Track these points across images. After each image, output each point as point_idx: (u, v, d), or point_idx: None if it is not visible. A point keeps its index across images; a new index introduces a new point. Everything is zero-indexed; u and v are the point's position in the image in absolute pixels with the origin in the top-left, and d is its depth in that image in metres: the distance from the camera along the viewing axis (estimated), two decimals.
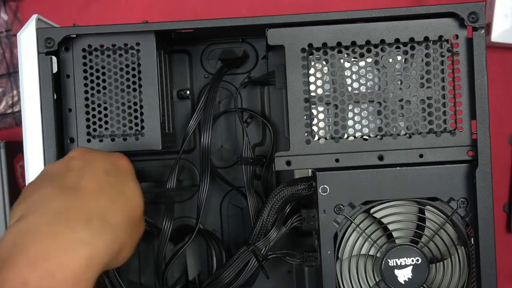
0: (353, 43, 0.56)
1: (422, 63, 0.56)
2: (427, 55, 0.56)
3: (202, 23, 0.57)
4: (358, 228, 0.57)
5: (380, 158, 0.56)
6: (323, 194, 0.56)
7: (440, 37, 0.56)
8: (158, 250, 0.61)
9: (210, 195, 0.69)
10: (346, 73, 0.56)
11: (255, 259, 0.61)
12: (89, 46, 0.58)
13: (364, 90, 0.57)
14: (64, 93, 0.58)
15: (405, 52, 0.56)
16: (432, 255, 0.57)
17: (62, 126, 0.58)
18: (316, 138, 0.57)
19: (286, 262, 0.66)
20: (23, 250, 0.45)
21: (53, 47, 0.57)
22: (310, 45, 0.56)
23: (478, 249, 0.55)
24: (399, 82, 0.56)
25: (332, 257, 0.56)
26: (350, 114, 0.56)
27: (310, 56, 0.57)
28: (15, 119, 0.88)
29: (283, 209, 0.61)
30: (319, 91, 0.56)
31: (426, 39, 0.56)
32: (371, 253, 0.57)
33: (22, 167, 0.81)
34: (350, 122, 0.56)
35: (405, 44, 0.56)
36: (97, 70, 0.58)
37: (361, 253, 0.57)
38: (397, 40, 0.56)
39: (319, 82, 0.57)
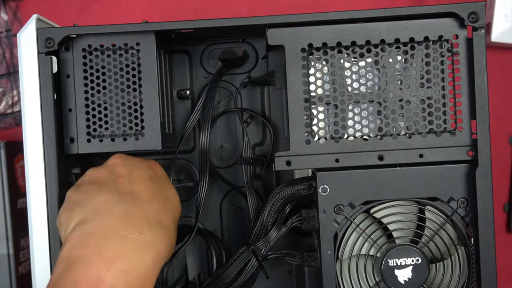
0: (353, 43, 0.56)
1: (422, 63, 0.56)
2: (427, 55, 0.56)
3: (202, 23, 0.57)
4: (358, 228, 0.57)
5: (380, 158, 0.56)
6: (323, 194, 0.56)
7: (440, 37, 0.56)
8: None
9: (210, 195, 0.69)
10: (346, 73, 0.56)
11: (255, 259, 0.61)
12: (89, 46, 0.58)
13: (364, 90, 0.57)
14: (64, 93, 0.58)
15: (405, 52, 0.56)
16: (432, 255, 0.57)
17: (62, 126, 0.58)
18: (316, 138, 0.57)
19: (286, 262, 0.66)
20: (96, 251, 0.48)
21: (53, 47, 0.57)
22: (310, 45, 0.56)
23: (478, 249, 0.55)
24: (399, 82, 0.56)
25: (332, 257, 0.56)
26: (350, 114, 0.56)
27: (310, 56, 0.57)
28: (15, 119, 0.88)
29: (283, 209, 0.61)
30: (319, 91, 0.56)
31: (426, 39, 0.56)
32: (371, 253, 0.57)
33: (22, 167, 0.81)
34: (350, 122, 0.56)
35: (405, 44, 0.56)
36: (97, 70, 0.58)
37: (361, 253, 0.57)
38: (397, 40, 0.56)
39: (319, 82, 0.57)
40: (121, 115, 0.58)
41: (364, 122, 0.57)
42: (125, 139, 0.58)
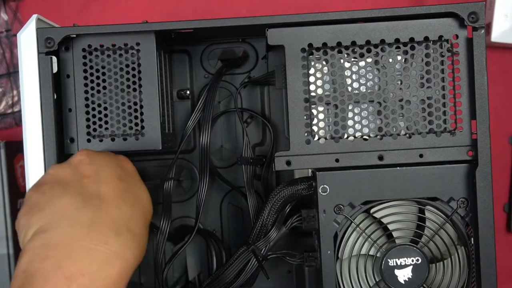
0: (353, 43, 0.56)
1: (422, 63, 0.56)
2: (427, 55, 0.56)
3: (202, 23, 0.57)
4: (358, 228, 0.57)
5: (380, 158, 0.56)
6: (323, 194, 0.56)
7: (440, 37, 0.56)
8: (156, 250, 0.61)
9: (210, 195, 0.69)
10: (346, 73, 0.56)
11: (255, 259, 0.61)
12: (89, 46, 0.58)
13: (364, 90, 0.57)
14: (64, 93, 0.58)
15: (405, 52, 0.56)
16: (432, 255, 0.57)
17: (62, 126, 0.58)
18: (316, 138, 0.57)
19: (286, 262, 0.66)
20: (56, 265, 0.44)
21: (53, 47, 0.57)
22: (310, 45, 0.56)
23: (478, 249, 0.55)
24: (399, 82, 0.56)
25: (332, 257, 0.56)
26: (350, 114, 0.56)
27: (310, 56, 0.57)
28: (15, 119, 0.88)
29: (283, 209, 0.61)
30: (319, 91, 0.56)
31: (426, 39, 0.56)
32: (371, 253, 0.57)
33: (22, 167, 0.81)
34: (350, 122, 0.56)
35: (405, 44, 0.56)
36: (97, 70, 0.58)
37: (361, 253, 0.57)
38: (397, 40, 0.56)
39: (319, 82, 0.57)
40: (121, 115, 0.58)
41: (364, 122, 0.57)
42: (125, 139, 0.58)
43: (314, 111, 0.57)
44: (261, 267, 0.61)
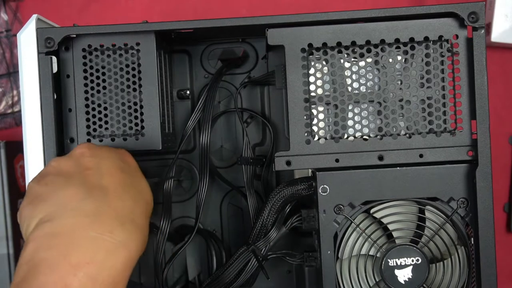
0: (353, 43, 0.56)
1: (422, 63, 0.56)
2: (427, 55, 0.56)
3: (202, 23, 0.57)
4: (358, 228, 0.57)
5: (380, 158, 0.56)
6: (323, 194, 0.56)
7: (440, 37, 0.56)
8: (156, 250, 0.61)
9: (210, 195, 0.69)
10: (346, 73, 0.56)
11: (255, 259, 0.61)
12: (89, 46, 0.58)
13: (364, 90, 0.57)
14: (64, 93, 0.58)
15: (405, 52, 0.56)
16: (432, 255, 0.57)
17: (62, 126, 0.58)
18: (316, 138, 0.57)
19: (286, 262, 0.66)
20: (62, 254, 0.44)
21: (53, 47, 0.57)
22: (310, 45, 0.56)
23: (478, 249, 0.55)
24: (399, 82, 0.56)
25: (332, 257, 0.56)
26: (350, 114, 0.56)
27: (310, 56, 0.57)
28: (15, 119, 0.88)
29: (283, 209, 0.61)
30: (319, 91, 0.56)
31: (426, 39, 0.56)
32: (371, 253, 0.57)
33: (22, 167, 0.81)
34: (350, 122, 0.56)
35: (405, 44, 0.56)
36: (97, 70, 0.58)
37: (361, 253, 0.57)
38: (397, 40, 0.56)
39: (319, 82, 0.57)
40: (121, 115, 0.58)
41: (364, 122, 0.57)
42: (125, 139, 0.58)
43: (314, 111, 0.57)
44: (261, 267, 0.61)
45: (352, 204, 0.56)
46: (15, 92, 0.88)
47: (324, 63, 0.57)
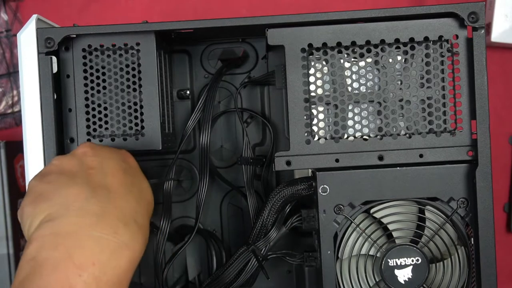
0: (353, 43, 0.56)
1: (422, 63, 0.56)
2: (427, 55, 0.56)
3: (202, 23, 0.57)
4: (358, 228, 0.57)
5: (380, 158, 0.56)
6: (323, 194, 0.56)
7: (440, 37, 0.56)
8: (156, 250, 0.61)
9: (210, 195, 0.69)
10: (346, 73, 0.56)
11: (255, 259, 0.61)
12: (89, 46, 0.58)
13: (364, 90, 0.57)
14: (64, 93, 0.58)
15: (405, 52, 0.56)
16: (432, 255, 0.57)
17: (62, 126, 0.58)
18: (316, 138, 0.57)
19: (286, 262, 0.66)
20: (66, 254, 0.43)
21: (53, 47, 0.57)
22: (310, 45, 0.56)
23: (478, 249, 0.55)
24: (399, 82, 0.56)
25: (332, 257, 0.56)
26: (350, 114, 0.56)
27: (310, 56, 0.57)
28: (15, 119, 0.88)
29: (283, 209, 0.61)
30: (319, 91, 0.56)
31: (426, 39, 0.56)
32: (371, 253, 0.57)
33: (22, 167, 0.81)
34: (350, 122, 0.56)
35: (405, 44, 0.56)
36: (97, 70, 0.58)
37: (361, 253, 0.57)
38: (397, 40, 0.56)
39: (319, 82, 0.57)
40: (121, 115, 0.58)
41: (364, 122, 0.57)
42: (125, 139, 0.58)
43: (314, 111, 0.57)
44: (261, 267, 0.61)
45: (352, 204, 0.56)
46: (15, 92, 0.88)
47: (324, 63, 0.57)
